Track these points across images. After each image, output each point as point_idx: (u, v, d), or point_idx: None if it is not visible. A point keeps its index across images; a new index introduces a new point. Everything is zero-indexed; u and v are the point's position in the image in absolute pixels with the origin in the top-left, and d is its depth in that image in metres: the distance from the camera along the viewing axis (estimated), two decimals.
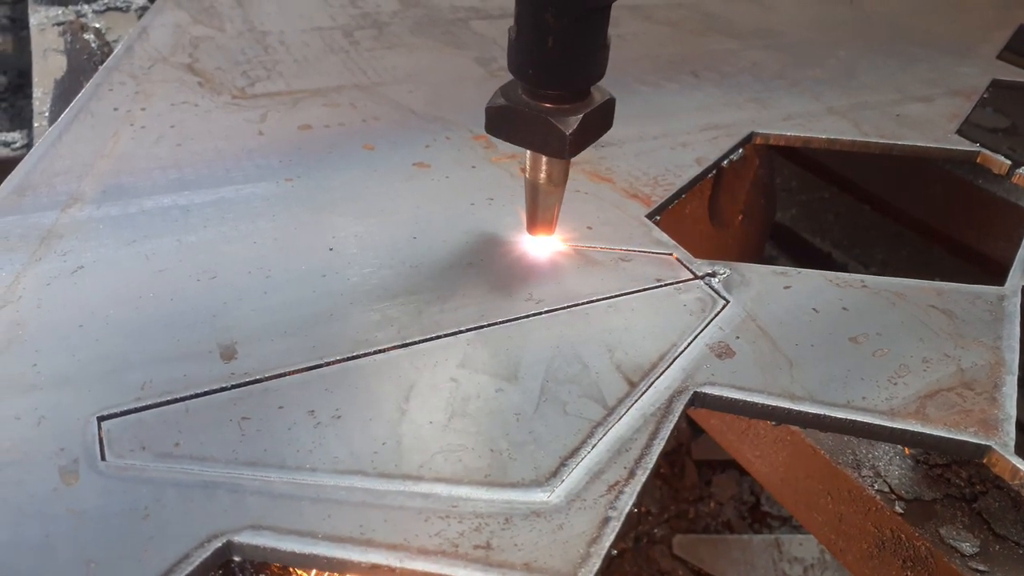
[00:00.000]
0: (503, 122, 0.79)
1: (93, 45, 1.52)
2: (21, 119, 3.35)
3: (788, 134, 1.19)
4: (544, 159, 0.80)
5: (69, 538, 0.56)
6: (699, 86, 1.33)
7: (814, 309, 0.83)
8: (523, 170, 0.83)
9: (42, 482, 0.59)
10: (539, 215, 0.87)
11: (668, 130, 1.17)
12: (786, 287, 0.86)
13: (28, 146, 2.00)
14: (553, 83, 0.75)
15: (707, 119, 1.21)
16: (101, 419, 0.65)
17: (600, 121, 0.80)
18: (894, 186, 1.97)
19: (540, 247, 0.89)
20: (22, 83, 3.54)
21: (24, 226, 0.86)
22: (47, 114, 1.95)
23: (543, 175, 0.82)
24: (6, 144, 2.02)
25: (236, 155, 1.02)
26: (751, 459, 1.20)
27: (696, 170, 1.08)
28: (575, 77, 0.76)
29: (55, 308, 0.76)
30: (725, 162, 1.14)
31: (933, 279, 0.93)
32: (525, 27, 0.73)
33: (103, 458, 0.61)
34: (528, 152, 0.81)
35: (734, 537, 1.80)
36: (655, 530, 1.84)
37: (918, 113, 1.27)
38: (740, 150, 1.16)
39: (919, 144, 1.19)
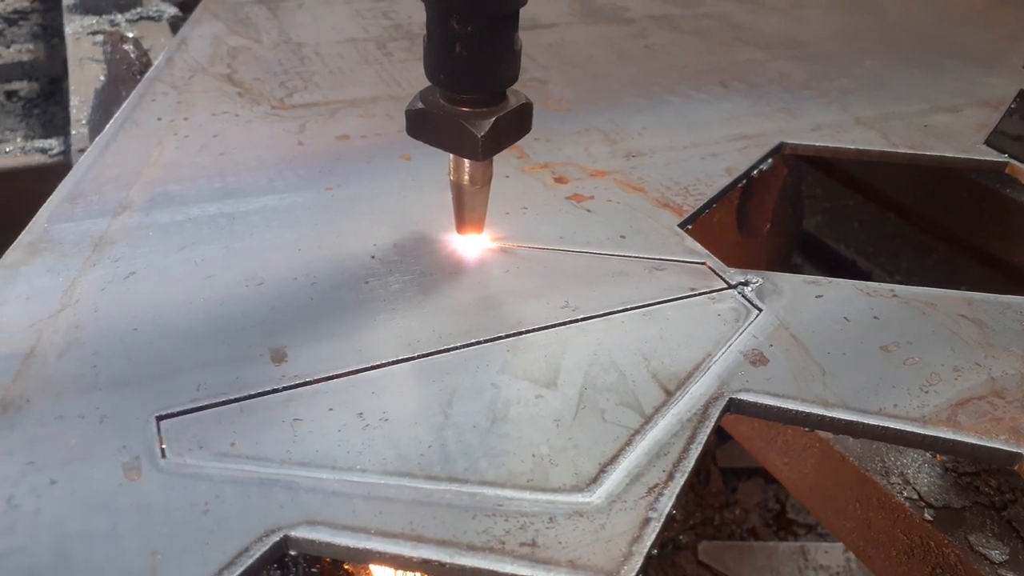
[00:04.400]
0: (422, 125, 0.81)
1: (132, 55, 1.56)
2: (53, 125, 3.42)
3: (817, 144, 1.21)
4: (465, 161, 0.83)
5: (135, 530, 0.58)
6: (728, 96, 1.34)
7: (845, 318, 0.85)
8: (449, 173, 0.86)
9: (107, 477, 0.62)
10: (466, 215, 0.89)
11: (698, 140, 1.19)
12: (818, 296, 0.88)
13: (64, 153, 2.05)
14: (463, 88, 0.78)
15: (736, 129, 1.23)
16: (160, 418, 0.67)
17: (516, 124, 0.82)
18: (920, 195, 1.98)
19: (470, 246, 0.92)
20: (53, 90, 3.62)
21: (78, 233, 0.89)
22: (84, 122, 2.00)
23: (465, 177, 0.85)
24: (43, 151, 2.08)
25: (277, 164, 1.05)
26: (779, 466, 1.22)
27: (726, 180, 1.09)
28: (485, 82, 0.78)
29: (110, 312, 0.79)
30: (754, 172, 1.15)
31: (959, 288, 0.94)
32: (434, 33, 0.75)
33: (163, 456, 0.64)
34: (450, 155, 0.83)
35: (759, 544, 1.81)
36: (680, 536, 1.85)
37: (946, 123, 1.28)
38: (769, 160, 1.18)
39: (947, 155, 1.20)
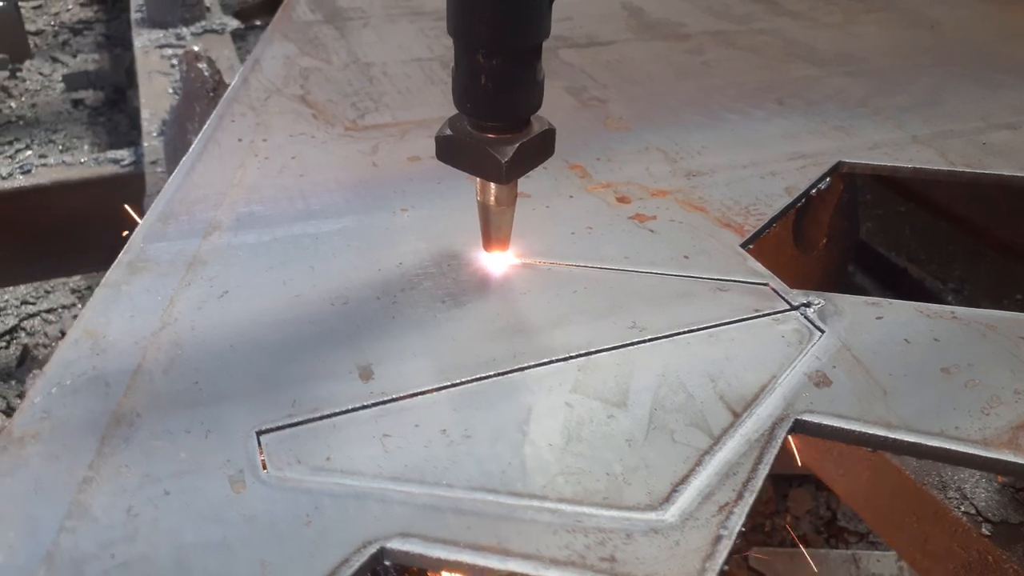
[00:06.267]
0: (450, 150, 0.87)
1: (206, 73, 1.63)
2: (117, 133, 3.53)
3: (874, 163, 1.23)
4: (492, 184, 0.88)
5: (244, 541, 0.63)
6: (784, 114, 1.37)
7: (906, 340, 0.87)
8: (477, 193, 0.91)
9: (216, 490, 0.67)
10: (492, 234, 0.94)
11: (757, 159, 1.22)
12: (878, 317, 0.90)
13: (136, 163, 2.14)
14: (488, 117, 0.83)
15: (794, 148, 1.25)
16: (260, 433, 0.73)
17: (539, 149, 0.87)
18: (972, 203, 1.97)
19: (495, 262, 0.96)
20: (117, 99, 3.73)
21: (172, 252, 0.95)
22: (155, 134, 2.08)
23: (492, 198, 0.89)
24: (115, 161, 2.17)
25: (354, 186, 1.10)
26: (835, 478, 1.24)
27: (786, 200, 1.12)
28: (509, 111, 0.83)
29: (208, 330, 0.84)
30: (812, 191, 1.18)
31: (1014, 295, 0.96)
32: (461, 66, 0.80)
33: (265, 469, 0.69)
34: (477, 178, 0.88)
35: (811, 551, 1.83)
36: None
37: (1004, 141, 1.29)
38: (827, 178, 1.20)
39: (1005, 173, 1.21)
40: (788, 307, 0.91)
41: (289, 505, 0.66)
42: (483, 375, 0.80)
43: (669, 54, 1.60)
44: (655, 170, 1.19)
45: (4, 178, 2.05)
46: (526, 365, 0.82)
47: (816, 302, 0.92)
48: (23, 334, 2.66)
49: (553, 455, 0.72)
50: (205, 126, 1.23)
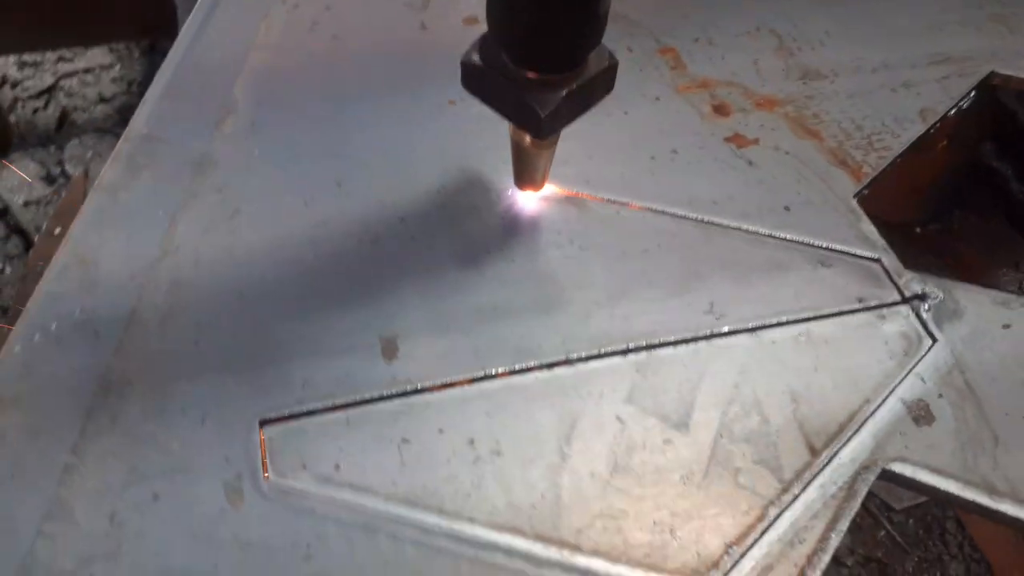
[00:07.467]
0: (478, 82, 0.65)
1: None
2: None
3: None
4: None
5: (236, 571, 0.57)
6: None
7: None
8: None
9: (210, 497, 0.59)
10: (526, 173, 0.76)
11: (890, 60, 1.00)
12: (1005, 326, 0.75)
13: None
14: (529, 58, 0.61)
15: (938, 46, 1.02)
16: (263, 423, 0.64)
17: (594, 90, 0.66)
18: None
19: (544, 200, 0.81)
20: None
21: (179, 147, 0.81)
22: None
23: (527, 138, 0.70)
24: None
25: (397, 57, 0.93)
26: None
27: (918, 128, 0.92)
28: (558, 54, 0.61)
29: (213, 268, 0.73)
30: (951, 111, 0.97)
31: None
32: None
33: (266, 473, 0.61)
34: None
35: None
36: None
37: None
38: (971, 94, 0.98)
39: None
40: (899, 299, 0.76)
41: (290, 530, 0.59)
42: (524, 366, 0.69)
43: None
44: (765, 65, 0.98)
45: None
46: (576, 357, 0.69)
47: (934, 294, 0.77)
48: (61, 94, 2.55)
49: (595, 489, 0.63)
50: None
